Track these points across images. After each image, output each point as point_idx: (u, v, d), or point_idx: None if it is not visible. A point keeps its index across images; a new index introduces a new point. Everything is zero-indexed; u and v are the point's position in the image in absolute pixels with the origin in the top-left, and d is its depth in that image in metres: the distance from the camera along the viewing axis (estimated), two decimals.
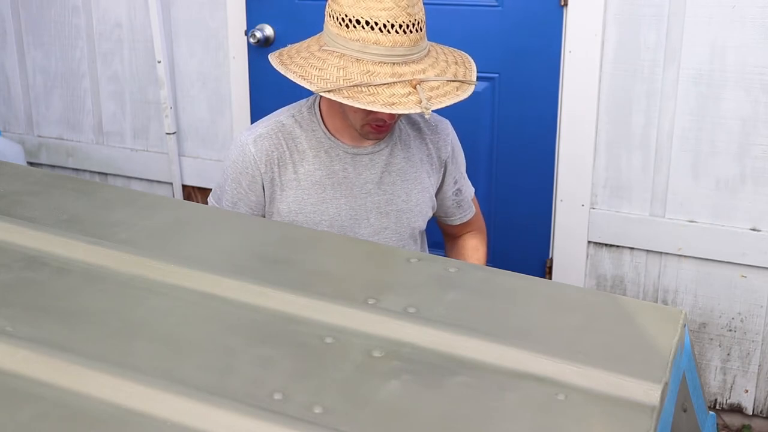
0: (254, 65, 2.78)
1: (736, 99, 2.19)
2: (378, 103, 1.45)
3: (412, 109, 1.45)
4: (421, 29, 1.53)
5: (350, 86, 1.47)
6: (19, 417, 0.87)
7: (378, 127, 1.63)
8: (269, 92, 2.79)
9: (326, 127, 1.70)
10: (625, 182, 2.37)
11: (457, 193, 1.87)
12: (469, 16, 2.47)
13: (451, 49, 1.66)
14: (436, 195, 1.83)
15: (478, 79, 2.52)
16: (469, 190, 1.91)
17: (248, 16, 2.75)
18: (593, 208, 2.43)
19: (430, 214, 1.82)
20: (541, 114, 2.44)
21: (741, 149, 2.22)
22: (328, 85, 1.48)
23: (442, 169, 1.81)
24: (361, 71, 1.49)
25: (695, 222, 2.31)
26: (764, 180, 2.22)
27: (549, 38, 2.38)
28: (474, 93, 2.48)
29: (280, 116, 1.74)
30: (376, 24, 1.48)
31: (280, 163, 1.69)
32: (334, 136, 1.70)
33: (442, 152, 1.79)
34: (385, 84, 1.47)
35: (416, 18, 1.51)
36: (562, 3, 2.34)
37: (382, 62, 1.49)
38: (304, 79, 1.51)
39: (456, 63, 1.60)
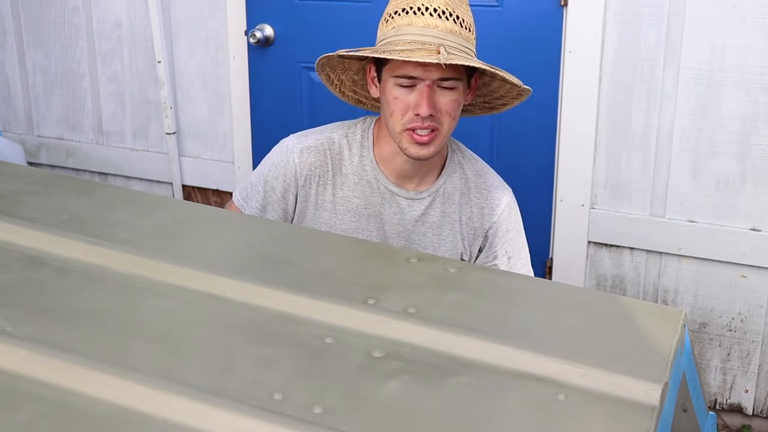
0: (254, 65, 2.78)
1: (736, 99, 2.19)
2: (395, 55, 1.46)
3: (428, 58, 1.43)
4: (461, 24, 1.51)
5: (370, 51, 1.49)
6: (19, 417, 0.87)
7: (419, 136, 1.53)
8: (269, 92, 2.79)
9: (374, 155, 1.65)
10: (625, 182, 2.37)
11: (492, 260, 1.74)
12: None
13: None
14: (474, 262, 1.73)
15: None
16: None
17: (248, 16, 2.75)
18: (593, 208, 2.43)
19: None
20: (541, 114, 2.44)
21: (741, 149, 2.22)
22: (352, 53, 1.52)
23: (482, 238, 1.71)
24: (387, 42, 1.52)
25: (695, 222, 2.31)
26: (764, 180, 2.22)
27: (549, 38, 2.38)
28: None
29: (333, 132, 1.67)
30: (411, 8, 1.50)
31: (321, 182, 1.64)
32: (380, 168, 1.65)
33: (485, 220, 1.69)
34: (409, 50, 1.47)
35: (454, 9, 1.51)
36: (562, 3, 2.34)
37: (413, 41, 1.48)
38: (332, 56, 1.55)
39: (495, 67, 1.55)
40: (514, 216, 1.73)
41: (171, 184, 3.06)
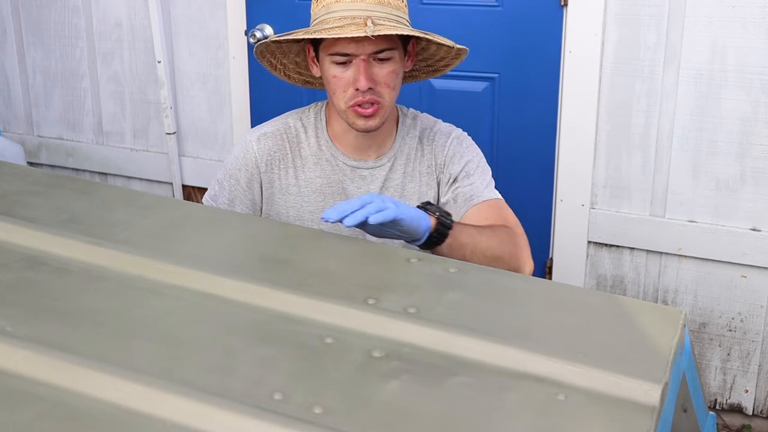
0: (254, 65, 2.78)
1: (736, 99, 2.19)
2: (324, 33, 1.49)
3: (355, 33, 1.46)
4: None
5: (298, 33, 1.54)
6: (19, 417, 0.87)
7: (363, 109, 1.57)
8: (269, 92, 2.79)
9: (329, 134, 1.70)
10: (625, 182, 2.37)
11: (453, 187, 1.73)
12: (469, 16, 2.47)
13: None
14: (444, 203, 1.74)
15: (479, 78, 2.55)
16: (469, 188, 1.70)
17: (248, 16, 2.75)
18: (593, 208, 2.43)
19: None
20: (541, 114, 2.44)
21: (741, 149, 2.22)
22: (284, 37, 1.57)
23: (441, 176, 1.74)
24: (319, 21, 1.55)
25: (695, 222, 2.31)
26: (764, 180, 2.22)
27: (549, 38, 2.38)
28: (474, 93, 2.52)
29: (288, 118, 1.73)
30: None
31: (282, 165, 1.69)
32: (336, 145, 1.69)
33: (438, 159, 1.73)
34: (338, 27, 1.50)
35: None
36: (562, 3, 2.34)
37: (343, 17, 1.51)
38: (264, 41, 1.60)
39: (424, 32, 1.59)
40: (465, 146, 1.74)
41: (171, 184, 3.06)
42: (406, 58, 1.64)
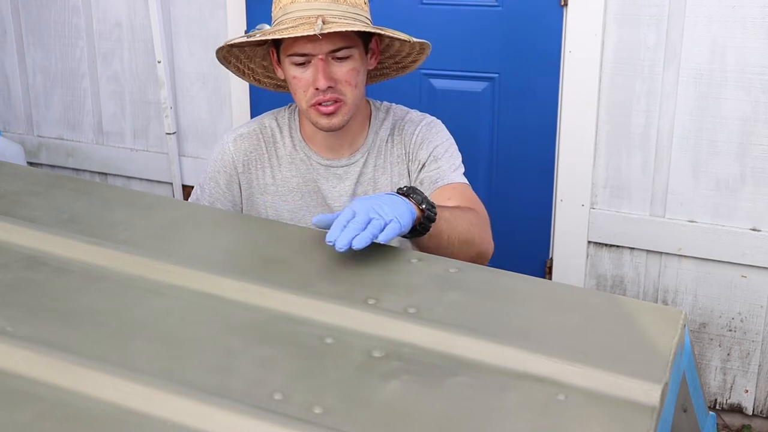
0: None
1: (736, 99, 2.19)
2: (275, 34, 1.49)
3: (302, 32, 1.46)
4: None
5: (253, 36, 1.53)
6: (19, 417, 0.87)
7: (324, 107, 1.56)
8: (269, 92, 2.78)
9: (302, 135, 1.70)
10: (625, 182, 2.37)
11: (420, 171, 1.70)
12: (469, 16, 2.47)
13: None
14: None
15: (478, 78, 2.55)
16: (437, 171, 1.68)
17: (248, 16, 2.75)
18: (593, 208, 2.43)
19: None
20: (541, 114, 2.44)
21: (741, 149, 2.22)
22: (236, 41, 1.57)
23: (411, 163, 1.72)
24: (277, 22, 1.55)
25: (695, 222, 2.31)
26: (764, 180, 2.22)
27: (549, 38, 2.38)
28: (474, 93, 2.52)
29: (264, 118, 1.74)
30: None
31: (259, 165, 1.70)
32: (309, 145, 1.69)
33: (408, 147, 1.71)
34: (291, 27, 1.50)
35: None
36: (562, 3, 2.34)
37: (298, 17, 1.51)
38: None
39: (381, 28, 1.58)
40: (435, 131, 1.71)
41: (171, 184, 3.06)
42: (369, 55, 1.63)
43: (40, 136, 3.31)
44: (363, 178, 1.71)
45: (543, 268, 2.55)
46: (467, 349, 0.99)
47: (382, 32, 1.55)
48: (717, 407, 2.43)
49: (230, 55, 1.67)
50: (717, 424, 1.70)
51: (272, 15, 1.60)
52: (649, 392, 0.91)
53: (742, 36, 2.15)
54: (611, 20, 2.28)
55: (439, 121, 1.75)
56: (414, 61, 1.73)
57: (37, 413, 0.88)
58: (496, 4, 2.44)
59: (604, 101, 2.34)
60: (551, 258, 2.54)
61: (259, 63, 1.73)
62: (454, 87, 2.54)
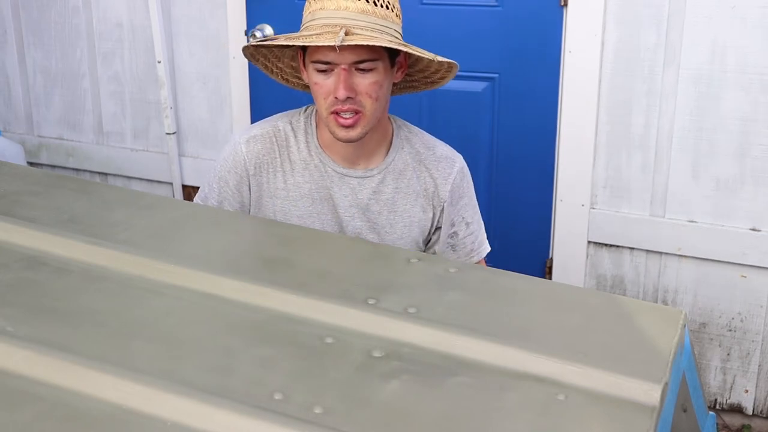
0: (254, 65, 2.78)
1: (736, 99, 2.19)
2: (297, 41, 1.48)
3: (323, 42, 1.45)
4: (375, 2, 1.51)
5: (278, 39, 1.52)
6: (19, 417, 0.87)
7: (343, 119, 1.55)
8: (269, 92, 2.79)
9: (318, 141, 1.67)
10: (625, 182, 2.37)
11: (452, 236, 1.75)
12: (469, 16, 2.47)
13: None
14: (434, 232, 1.74)
15: (478, 79, 2.54)
16: (471, 238, 1.76)
17: (248, 16, 2.75)
18: (593, 208, 2.43)
19: (422, 248, 1.74)
20: (541, 114, 2.44)
21: (741, 149, 2.22)
22: (259, 43, 1.56)
23: (440, 210, 1.72)
24: (305, 27, 1.53)
25: (695, 222, 2.31)
26: (764, 180, 2.22)
27: (549, 38, 2.38)
28: (474, 93, 2.52)
29: (278, 121, 1.71)
30: None
31: (271, 169, 1.67)
32: (326, 152, 1.66)
33: (440, 190, 1.70)
34: (315, 34, 1.48)
35: None
36: (562, 3, 2.34)
37: (324, 24, 1.50)
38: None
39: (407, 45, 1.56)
40: (466, 182, 1.76)
41: (171, 184, 3.06)
42: (396, 69, 1.60)
43: (40, 136, 3.31)
44: (380, 196, 1.68)
45: (543, 268, 2.55)
46: (467, 349, 0.99)
47: (406, 49, 1.52)
48: (717, 407, 2.43)
49: (258, 53, 1.66)
50: (717, 424, 1.70)
51: (303, 17, 1.58)
52: (649, 392, 0.91)
53: (741, 36, 2.15)
54: (611, 20, 2.28)
55: (465, 164, 1.76)
56: (442, 78, 1.70)
57: (37, 413, 0.88)
58: (496, 4, 2.43)
59: (604, 101, 2.34)
60: (551, 258, 2.54)
61: (288, 63, 1.71)
62: (454, 87, 2.53)
